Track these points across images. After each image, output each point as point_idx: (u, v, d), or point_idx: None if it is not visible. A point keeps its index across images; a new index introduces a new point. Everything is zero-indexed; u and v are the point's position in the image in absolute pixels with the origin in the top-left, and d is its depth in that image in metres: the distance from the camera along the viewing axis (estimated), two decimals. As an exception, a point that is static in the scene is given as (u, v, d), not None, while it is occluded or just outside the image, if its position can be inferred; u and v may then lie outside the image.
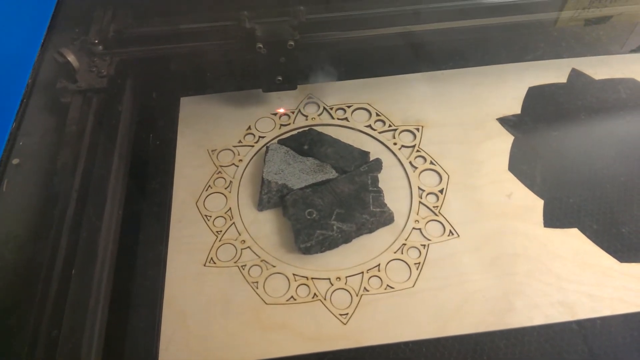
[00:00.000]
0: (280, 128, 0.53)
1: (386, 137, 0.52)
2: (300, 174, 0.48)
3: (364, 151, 0.50)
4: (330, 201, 0.45)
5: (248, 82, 0.57)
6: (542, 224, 0.45)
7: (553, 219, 0.45)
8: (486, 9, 0.57)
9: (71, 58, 0.48)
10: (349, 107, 0.55)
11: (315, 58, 0.58)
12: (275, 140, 0.51)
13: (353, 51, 0.60)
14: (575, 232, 0.45)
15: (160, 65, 0.57)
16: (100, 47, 0.51)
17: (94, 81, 0.49)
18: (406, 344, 0.39)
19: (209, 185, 0.49)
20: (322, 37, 0.53)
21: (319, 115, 0.55)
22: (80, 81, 0.49)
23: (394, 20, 0.55)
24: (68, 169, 0.43)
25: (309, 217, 0.44)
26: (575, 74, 0.57)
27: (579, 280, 0.42)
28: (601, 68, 0.58)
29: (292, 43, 0.48)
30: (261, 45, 0.47)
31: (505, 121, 0.53)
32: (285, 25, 0.48)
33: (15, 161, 0.45)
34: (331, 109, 0.55)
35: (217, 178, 0.50)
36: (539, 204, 0.46)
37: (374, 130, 0.53)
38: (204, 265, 0.44)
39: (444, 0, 0.55)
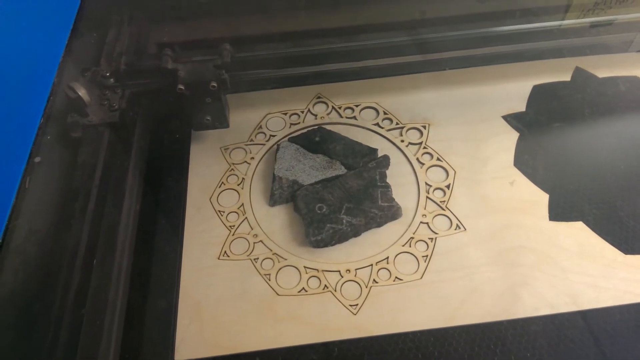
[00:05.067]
0: (290, 127, 0.55)
1: (393, 135, 0.54)
2: (310, 170, 0.49)
3: (372, 148, 0.51)
4: (339, 196, 0.47)
5: (258, 83, 0.59)
6: (548, 218, 0.46)
7: (558, 212, 0.46)
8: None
9: (82, 92, 0.45)
10: (357, 106, 0.57)
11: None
12: (286, 139, 0.53)
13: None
14: (580, 225, 0.45)
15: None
16: (112, 80, 0.49)
17: (105, 115, 0.47)
18: (414, 333, 0.40)
19: (222, 182, 0.50)
20: (252, 75, 0.53)
21: (327, 114, 0.56)
22: (91, 115, 0.47)
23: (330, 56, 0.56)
24: (88, 167, 0.44)
25: (319, 211, 0.46)
26: (579, 72, 0.58)
27: (584, 271, 0.43)
28: (605, 66, 0.59)
29: (214, 84, 0.46)
30: (182, 87, 0.45)
31: (510, 118, 0.54)
32: (209, 65, 0.47)
33: (37, 159, 0.46)
34: (340, 108, 0.56)
35: (230, 175, 0.51)
36: (544, 198, 0.47)
37: (382, 128, 0.54)
38: (218, 259, 0.45)
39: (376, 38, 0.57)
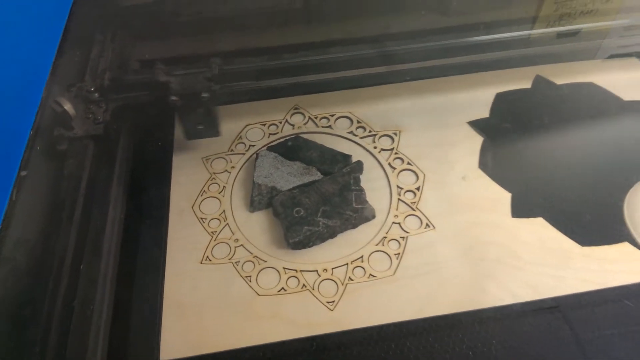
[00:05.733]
0: (269, 137, 0.58)
1: (367, 142, 0.57)
2: (288, 176, 0.52)
3: (346, 154, 0.54)
4: (316, 200, 0.49)
5: (237, 96, 0.61)
6: (510, 215, 0.49)
7: (520, 209, 0.49)
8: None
9: (67, 107, 0.48)
10: (332, 115, 0.60)
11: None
12: (265, 148, 0.55)
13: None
14: (540, 221, 0.49)
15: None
16: (96, 95, 0.51)
17: (90, 128, 0.49)
18: (388, 325, 0.42)
19: (204, 191, 0.53)
20: (239, 87, 0.56)
21: (304, 124, 0.59)
22: (76, 128, 0.49)
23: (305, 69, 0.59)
24: (74, 177, 0.46)
25: (296, 215, 0.48)
26: (538, 80, 0.62)
27: (544, 263, 0.46)
28: (563, 74, 0.63)
29: (206, 95, 0.49)
30: (175, 98, 0.49)
31: (475, 124, 0.57)
32: (200, 77, 0.50)
33: (23, 173, 0.48)
34: (316, 117, 0.59)
35: (211, 184, 0.53)
36: (507, 196, 0.51)
37: (356, 136, 0.57)
38: (201, 263, 0.47)
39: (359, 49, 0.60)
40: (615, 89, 0.61)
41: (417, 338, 0.42)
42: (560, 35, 0.69)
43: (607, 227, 0.48)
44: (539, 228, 0.48)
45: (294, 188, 0.51)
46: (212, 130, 0.54)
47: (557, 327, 0.42)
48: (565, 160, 0.54)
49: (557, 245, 0.47)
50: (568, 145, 0.56)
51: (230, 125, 0.59)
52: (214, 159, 0.55)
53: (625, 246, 0.47)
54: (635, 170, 0.52)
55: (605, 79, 0.62)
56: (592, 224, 0.48)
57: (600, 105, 0.60)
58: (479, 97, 0.60)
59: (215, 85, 0.50)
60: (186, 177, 0.54)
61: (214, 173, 0.54)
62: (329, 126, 0.59)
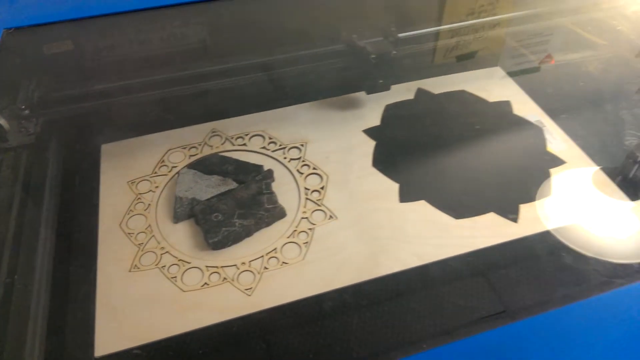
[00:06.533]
0: (189, 158, 0.64)
1: (278, 154, 0.65)
2: (206, 188, 0.58)
3: (258, 165, 0.61)
4: (232, 205, 0.56)
5: (158, 125, 0.68)
6: (399, 201, 0.58)
7: (406, 196, 0.59)
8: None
9: (2, 122, 0.56)
10: (246, 135, 0.67)
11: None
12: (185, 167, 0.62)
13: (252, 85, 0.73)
14: (422, 203, 0.58)
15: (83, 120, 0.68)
16: (27, 111, 0.59)
17: (23, 139, 0.58)
18: (299, 301, 0.49)
19: (130, 210, 0.58)
20: (406, 50, 0.73)
21: (222, 144, 0.66)
22: (11, 140, 0.57)
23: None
24: (4, 208, 0.51)
25: (215, 219, 0.54)
26: (420, 92, 0.74)
27: (427, 236, 0.55)
28: (441, 85, 0.75)
29: (395, 52, 0.64)
30: (375, 56, 0.63)
31: (368, 132, 0.67)
32: (386, 41, 0.66)
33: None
34: (232, 138, 0.67)
35: (137, 203, 0.59)
36: (395, 187, 0.60)
37: (268, 150, 0.65)
38: (129, 271, 0.52)
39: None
40: (482, 93, 0.73)
41: (326, 307, 0.49)
42: (460, 59, 0.82)
43: (476, 202, 0.58)
44: (422, 209, 0.58)
45: (212, 197, 0.57)
46: (387, 85, 0.68)
47: (432, 282, 0.50)
48: (441, 154, 0.65)
49: (436, 221, 0.56)
50: (444, 141, 0.66)
51: (153, 151, 0.65)
52: (139, 182, 0.61)
53: (492, 215, 0.57)
54: (496, 155, 0.64)
55: (474, 86, 0.75)
56: (464, 202, 0.58)
57: (470, 107, 0.72)
58: (371, 109, 0.71)
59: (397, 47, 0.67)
60: (113, 199, 0.59)
61: (139, 194, 0.60)
62: (244, 144, 0.66)
